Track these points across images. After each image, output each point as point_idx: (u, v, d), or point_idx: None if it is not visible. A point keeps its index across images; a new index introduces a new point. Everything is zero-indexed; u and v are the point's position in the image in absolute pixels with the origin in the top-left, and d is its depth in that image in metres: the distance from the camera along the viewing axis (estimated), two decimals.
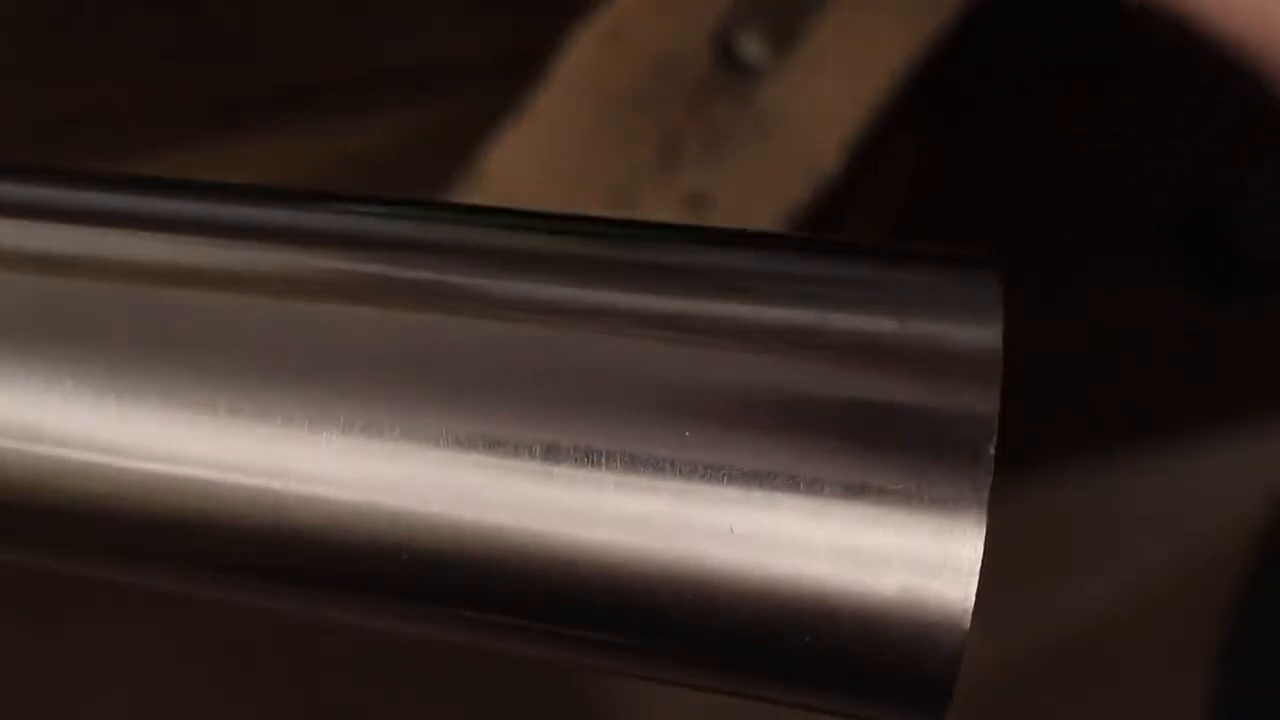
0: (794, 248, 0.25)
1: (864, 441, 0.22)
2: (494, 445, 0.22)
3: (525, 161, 0.38)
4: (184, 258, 0.23)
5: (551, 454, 0.22)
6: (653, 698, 0.54)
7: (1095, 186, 0.62)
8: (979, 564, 0.21)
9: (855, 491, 0.22)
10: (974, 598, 0.21)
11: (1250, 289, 0.64)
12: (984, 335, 0.22)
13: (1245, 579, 0.56)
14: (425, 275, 0.23)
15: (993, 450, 0.22)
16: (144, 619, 0.50)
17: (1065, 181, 0.62)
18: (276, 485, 0.22)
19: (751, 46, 0.38)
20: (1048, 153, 0.61)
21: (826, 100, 0.38)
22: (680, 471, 0.22)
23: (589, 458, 0.22)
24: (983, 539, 0.21)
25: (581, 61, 0.38)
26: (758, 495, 0.22)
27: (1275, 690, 0.54)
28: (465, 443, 0.22)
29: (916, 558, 0.22)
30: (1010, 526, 0.44)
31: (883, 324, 0.22)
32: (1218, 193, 0.64)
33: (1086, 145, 0.61)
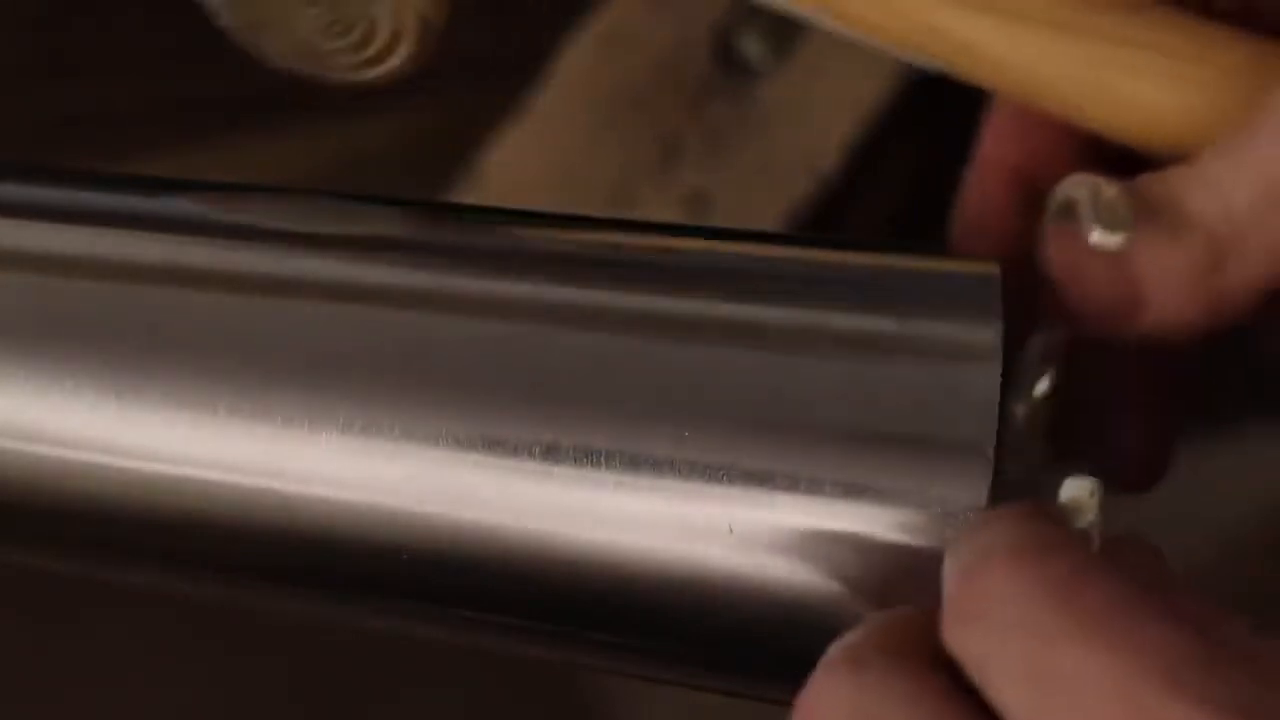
0: (794, 247, 0.25)
1: (864, 441, 0.22)
2: (494, 445, 0.22)
3: (525, 161, 0.38)
4: (184, 258, 0.23)
5: (551, 454, 0.22)
6: (653, 698, 0.54)
7: None
8: None
9: (855, 491, 0.22)
10: None
11: None
12: (984, 334, 0.22)
13: (1246, 579, 0.56)
14: (425, 275, 0.23)
15: (993, 449, 0.22)
16: (142, 620, 0.50)
17: None
18: (276, 485, 0.22)
19: (751, 46, 0.38)
20: None
21: (826, 100, 0.38)
22: (680, 471, 0.22)
23: (589, 458, 0.22)
24: None
25: (581, 61, 0.38)
26: (758, 495, 0.22)
27: None
28: (465, 443, 0.22)
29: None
30: None
31: (883, 323, 0.22)
32: None
33: None
